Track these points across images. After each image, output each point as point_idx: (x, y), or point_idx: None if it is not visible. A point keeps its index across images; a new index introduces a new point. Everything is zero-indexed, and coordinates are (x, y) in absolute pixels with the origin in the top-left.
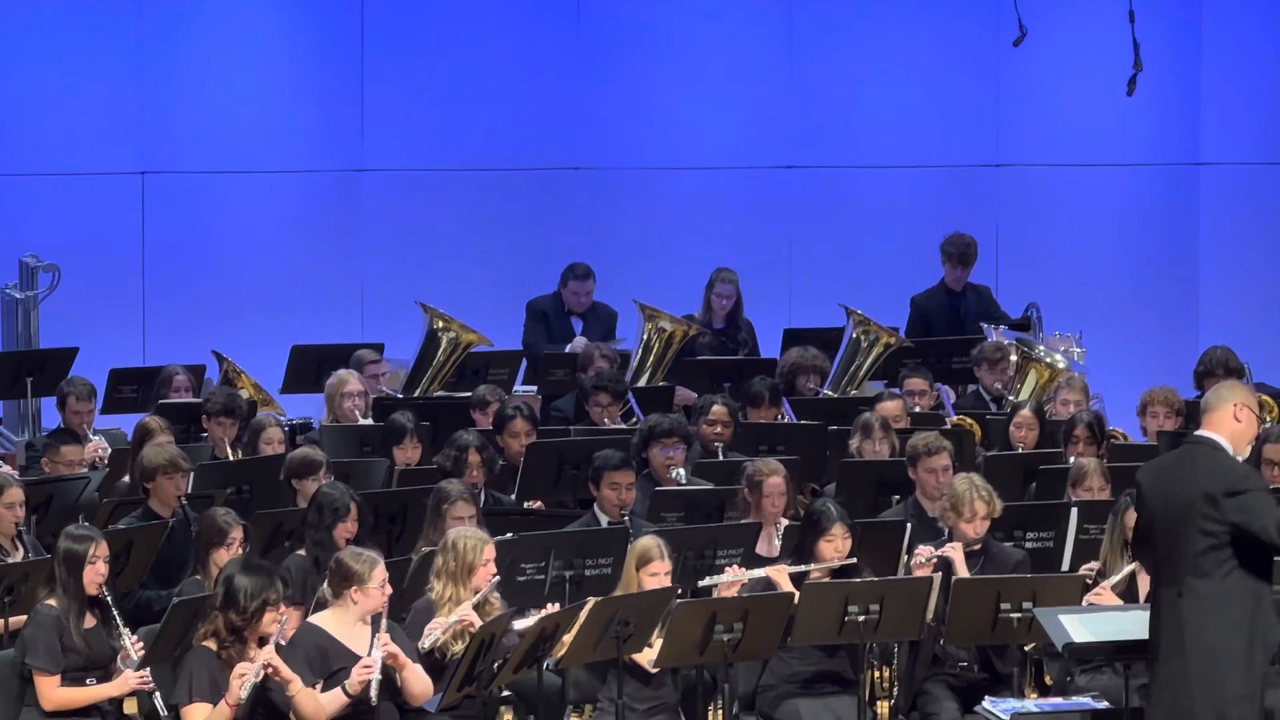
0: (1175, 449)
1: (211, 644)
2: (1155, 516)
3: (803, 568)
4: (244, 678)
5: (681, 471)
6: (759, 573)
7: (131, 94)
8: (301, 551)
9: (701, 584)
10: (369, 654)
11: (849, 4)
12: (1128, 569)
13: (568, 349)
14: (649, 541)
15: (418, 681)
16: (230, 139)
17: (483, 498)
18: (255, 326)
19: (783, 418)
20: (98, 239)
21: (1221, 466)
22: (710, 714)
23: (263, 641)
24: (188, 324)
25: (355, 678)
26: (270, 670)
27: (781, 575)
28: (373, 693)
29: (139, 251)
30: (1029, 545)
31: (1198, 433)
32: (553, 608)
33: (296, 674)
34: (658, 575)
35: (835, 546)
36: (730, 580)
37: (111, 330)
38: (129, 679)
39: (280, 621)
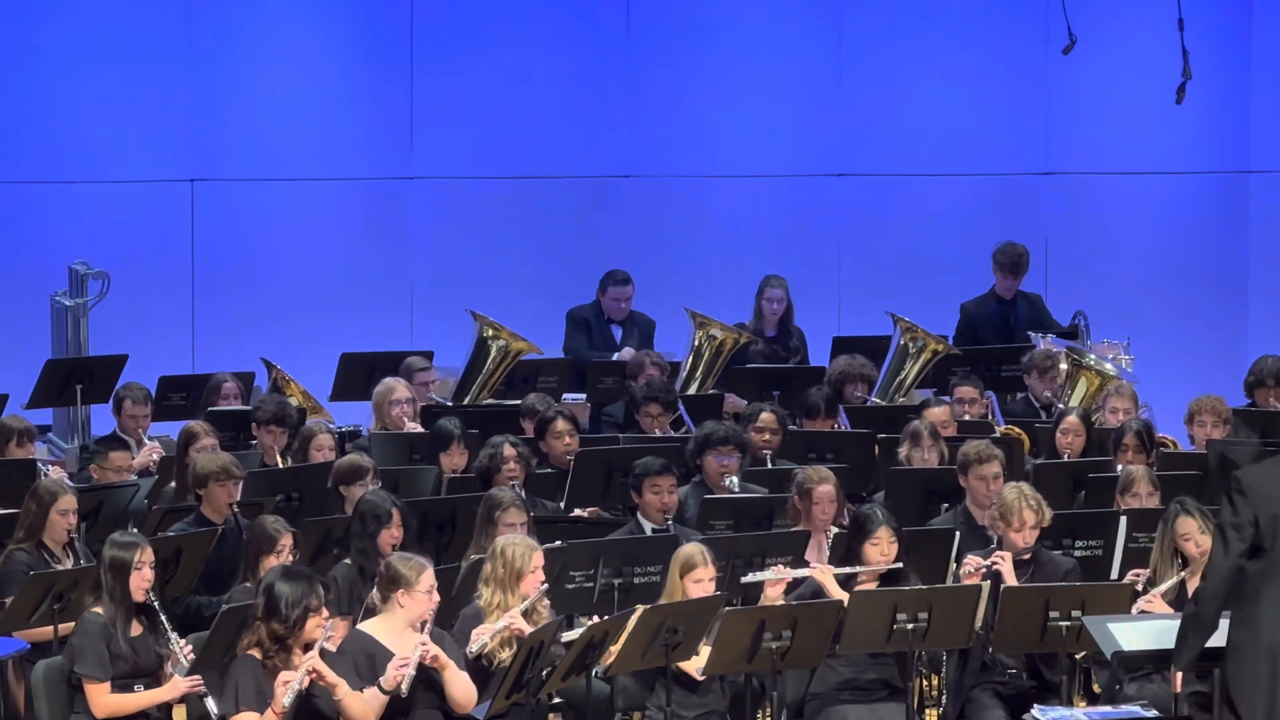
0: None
1: (256, 653)
2: None
3: (848, 569)
4: (288, 684)
5: (734, 479)
6: (804, 571)
7: (181, 101)
8: (348, 560)
9: (744, 580)
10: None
11: (898, 12)
12: (1177, 577)
13: (614, 358)
14: (692, 549)
15: (460, 685)
16: (280, 146)
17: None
18: (304, 334)
19: (838, 428)
20: (147, 246)
21: None
22: None
23: (307, 648)
24: (237, 331)
25: (390, 674)
26: (315, 676)
27: (826, 576)
28: (404, 686)
29: (188, 259)
30: (1078, 554)
31: None
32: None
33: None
34: (701, 582)
35: (881, 550)
36: (774, 578)
37: (161, 337)
38: (179, 684)
39: (325, 627)
